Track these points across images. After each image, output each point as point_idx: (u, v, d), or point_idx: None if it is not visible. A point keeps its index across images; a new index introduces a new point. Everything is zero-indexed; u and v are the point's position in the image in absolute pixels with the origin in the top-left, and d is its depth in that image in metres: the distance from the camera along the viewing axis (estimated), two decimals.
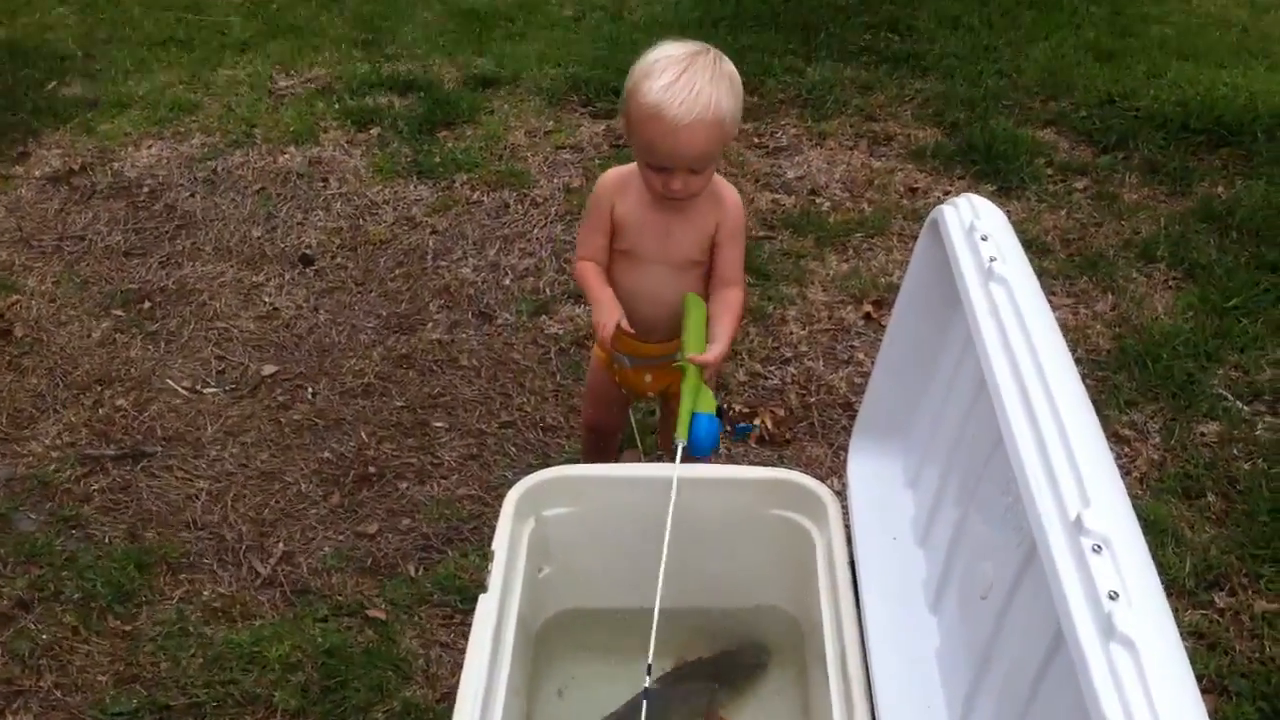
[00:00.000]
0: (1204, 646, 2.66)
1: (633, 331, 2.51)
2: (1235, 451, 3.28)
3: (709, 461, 2.47)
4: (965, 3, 6.02)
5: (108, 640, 2.79)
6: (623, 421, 3.01)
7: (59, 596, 2.89)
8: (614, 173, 2.58)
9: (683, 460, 2.31)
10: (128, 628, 2.82)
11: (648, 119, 2.30)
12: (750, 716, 2.39)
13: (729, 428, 3.29)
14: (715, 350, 2.42)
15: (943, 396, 2.27)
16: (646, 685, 2.04)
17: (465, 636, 2.11)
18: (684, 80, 2.28)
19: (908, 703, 1.96)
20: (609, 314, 2.46)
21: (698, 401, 2.37)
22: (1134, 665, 1.32)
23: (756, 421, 3.34)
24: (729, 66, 2.36)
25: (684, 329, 2.47)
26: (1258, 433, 3.35)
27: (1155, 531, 2.95)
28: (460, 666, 2.05)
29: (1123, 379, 3.52)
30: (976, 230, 2.08)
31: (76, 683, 2.70)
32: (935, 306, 2.27)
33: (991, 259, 1.99)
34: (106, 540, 3.05)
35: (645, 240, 2.53)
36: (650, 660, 2.06)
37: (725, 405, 3.40)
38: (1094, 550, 1.46)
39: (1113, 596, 1.39)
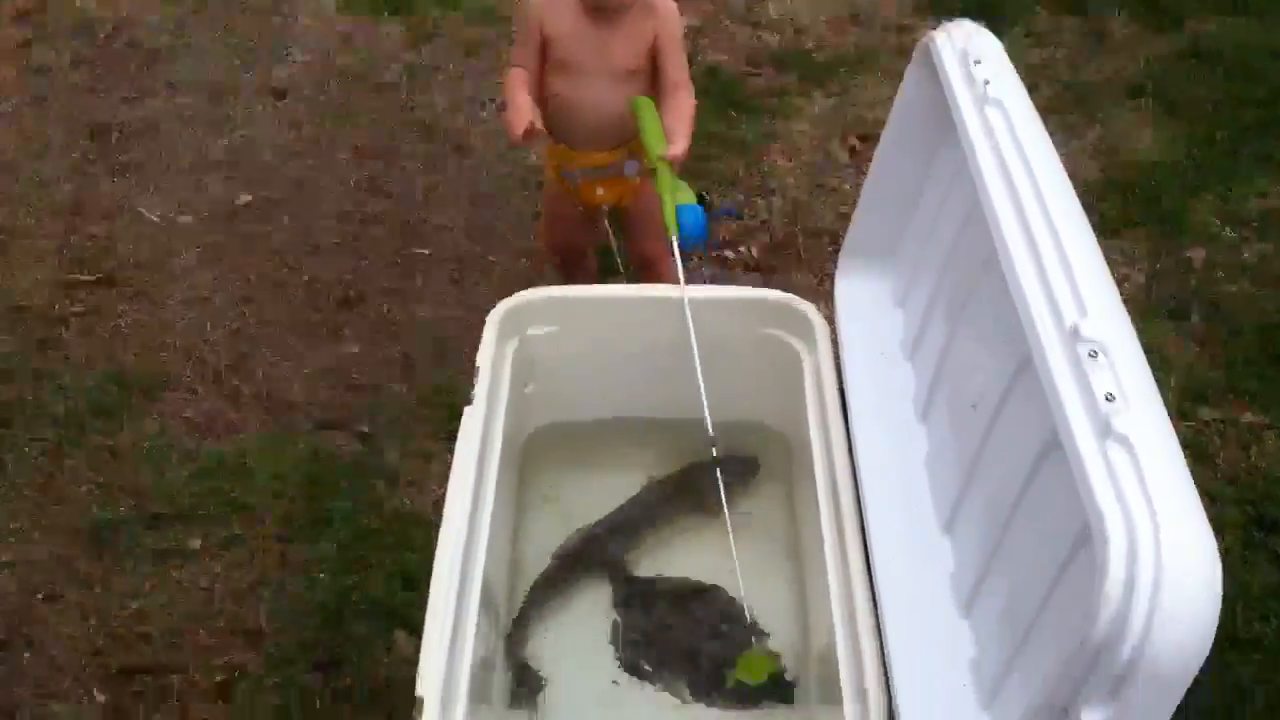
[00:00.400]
0: (1190, 456, 2.69)
1: (545, 131, 2.57)
2: (1221, 275, 3.30)
3: (700, 258, 2.44)
4: None
5: (91, 454, 2.79)
6: (585, 240, 3.00)
7: (40, 413, 2.88)
8: None
9: (682, 254, 2.35)
10: (110, 443, 2.82)
11: None
12: (739, 525, 2.41)
13: (713, 213, 3.25)
14: (679, 144, 2.46)
15: (932, 219, 2.25)
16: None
17: (451, 451, 2.11)
18: None
19: (896, 509, 1.97)
20: (520, 116, 2.52)
21: (677, 195, 2.39)
22: (1132, 465, 1.31)
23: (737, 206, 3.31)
24: None
25: (641, 131, 2.51)
26: (1244, 257, 3.37)
27: (1143, 352, 2.98)
28: (447, 475, 2.05)
29: (1109, 207, 3.51)
30: (970, 55, 2.05)
31: (63, 494, 2.71)
32: (925, 131, 2.23)
33: (986, 82, 1.96)
34: (84, 360, 3.04)
35: (582, 53, 2.57)
36: None
37: (704, 193, 3.37)
38: (1090, 356, 1.45)
39: (1109, 398, 1.39)
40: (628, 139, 2.63)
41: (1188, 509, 1.28)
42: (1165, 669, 1.19)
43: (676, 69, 2.58)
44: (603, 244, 2.89)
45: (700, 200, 2.46)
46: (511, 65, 2.65)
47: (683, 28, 2.59)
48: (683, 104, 2.56)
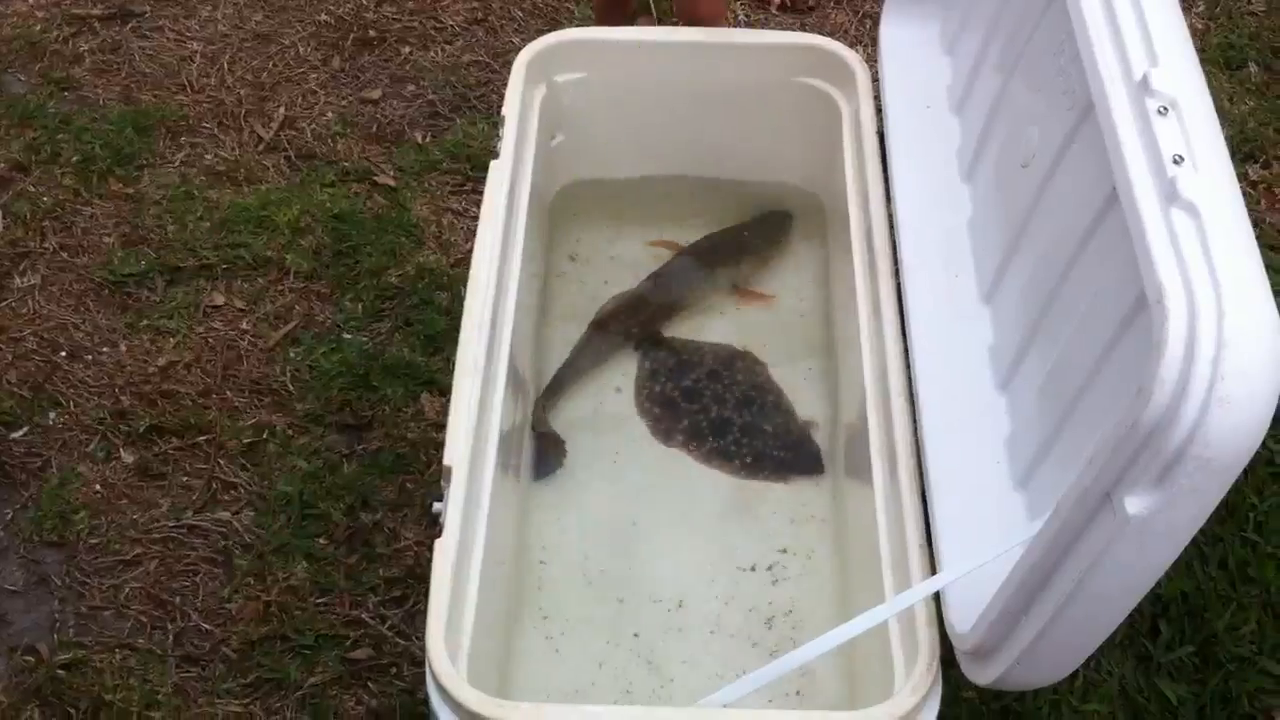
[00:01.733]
0: None
1: None
2: None
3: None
4: None
5: (111, 203, 2.73)
6: None
7: (57, 159, 2.81)
8: None
9: None
10: (130, 190, 2.75)
11: None
12: (774, 286, 2.36)
13: None
14: None
15: None
16: None
17: (477, 204, 2.06)
18: None
19: (935, 275, 1.89)
20: None
21: None
22: (1196, 232, 1.23)
23: None
24: None
25: None
26: None
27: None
28: (473, 234, 2.00)
29: None
30: None
31: (82, 244, 2.67)
32: None
33: None
34: (101, 102, 2.95)
35: None
36: None
37: None
38: (1159, 112, 1.35)
39: (1177, 160, 1.30)
40: None
41: (1254, 289, 1.19)
42: (1218, 455, 1.13)
43: None
44: None
45: None
46: None
47: None
48: None
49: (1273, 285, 2.50)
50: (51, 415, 2.41)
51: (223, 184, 2.76)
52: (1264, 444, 1.16)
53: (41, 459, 2.34)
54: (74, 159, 2.81)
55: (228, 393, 2.43)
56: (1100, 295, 1.48)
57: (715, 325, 2.31)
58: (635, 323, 2.27)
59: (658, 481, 2.09)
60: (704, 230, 2.41)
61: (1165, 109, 1.35)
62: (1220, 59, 3.02)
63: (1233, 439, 1.13)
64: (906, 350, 1.81)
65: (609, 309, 2.28)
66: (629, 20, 2.94)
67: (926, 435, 1.70)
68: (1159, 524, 1.16)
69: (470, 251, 1.93)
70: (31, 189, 2.76)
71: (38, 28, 3.12)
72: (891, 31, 2.32)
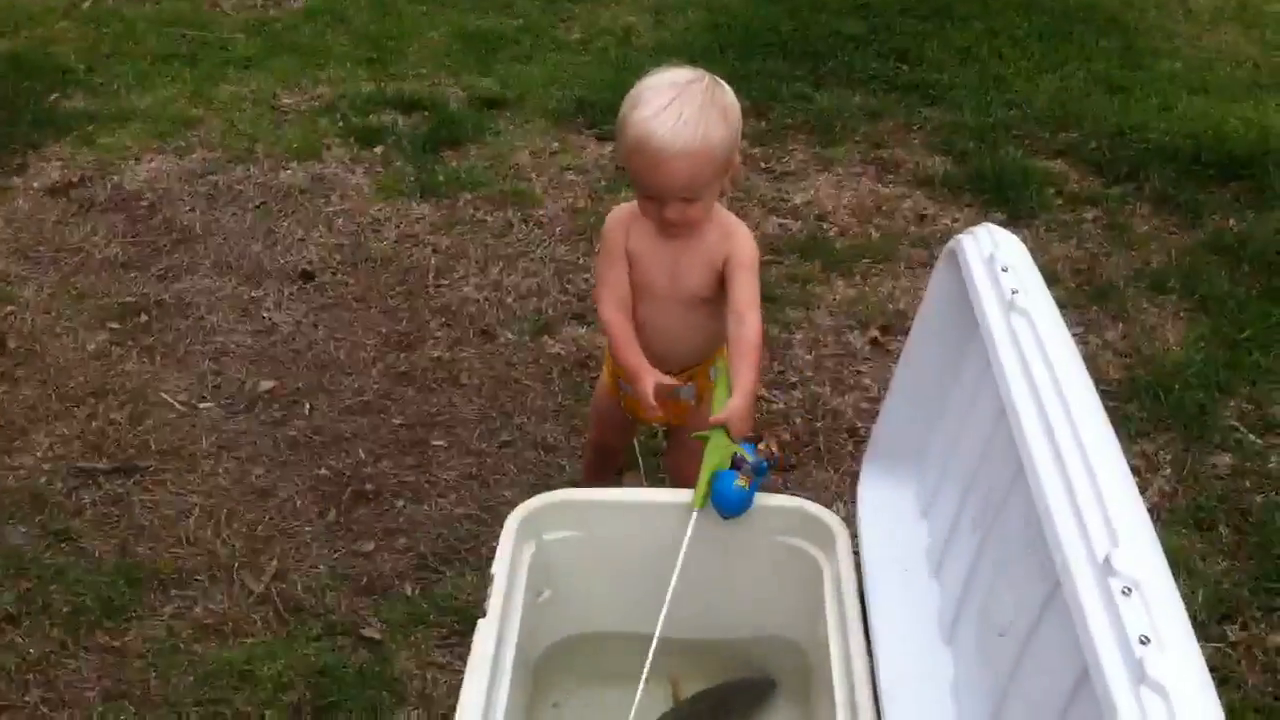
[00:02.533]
0: (1216, 680, 2.60)
1: (676, 382, 2.47)
2: (1248, 484, 3.23)
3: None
4: (974, 34, 5.98)
5: (96, 656, 2.72)
6: (626, 443, 2.96)
7: (47, 610, 2.82)
8: (623, 207, 2.54)
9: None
10: (117, 643, 2.75)
11: (634, 149, 2.28)
12: None
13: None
14: (734, 403, 2.29)
15: (958, 424, 2.22)
16: None
17: (462, 659, 2.06)
18: (672, 109, 2.24)
19: None
20: (645, 381, 2.40)
21: (726, 456, 2.27)
22: (1166, 712, 1.27)
23: (761, 445, 3.19)
24: (725, 94, 2.31)
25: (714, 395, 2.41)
26: (1270, 465, 3.30)
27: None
28: (456, 689, 1.99)
29: (1134, 409, 3.47)
30: (997, 261, 2.04)
31: (64, 698, 2.63)
32: (952, 334, 2.23)
33: (1014, 291, 1.95)
34: (97, 555, 2.99)
35: (654, 273, 2.49)
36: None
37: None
38: (1124, 593, 1.41)
39: (1144, 641, 1.34)
40: (692, 364, 2.59)
41: None
42: None
43: (746, 290, 2.40)
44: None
45: (734, 464, 2.28)
46: (604, 301, 2.54)
47: (757, 253, 2.46)
48: (748, 338, 2.35)
49: None
50: None
51: (209, 637, 2.76)
52: None
53: None
54: (64, 610, 2.82)
55: None
56: None
57: None
58: None
59: None
60: (690, 685, 2.40)
61: (1129, 589, 1.40)
62: (1190, 521, 3.10)
63: None
64: None
65: None
66: (617, 476, 3.05)
67: None
68: None
69: (453, 707, 1.93)
70: (19, 640, 2.75)
71: (43, 480, 3.22)
72: (869, 495, 2.43)
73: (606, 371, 2.76)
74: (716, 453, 2.27)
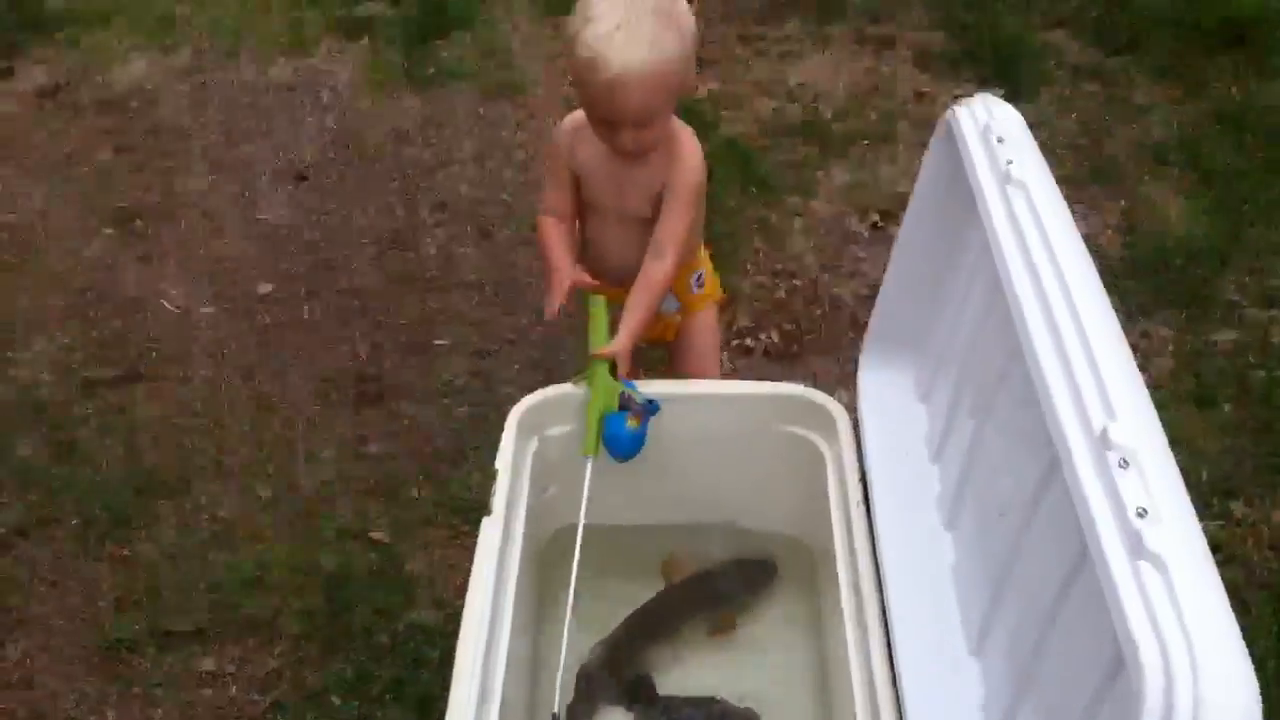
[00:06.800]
0: (1220, 558, 2.62)
1: (597, 283, 2.37)
2: (1251, 359, 3.22)
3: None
4: None
5: (107, 565, 2.75)
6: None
7: (57, 522, 2.85)
8: (571, 119, 2.38)
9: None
10: (126, 552, 2.78)
11: (584, 71, 2.08)
12: (759, 634, 2.35)
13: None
14: (622, 341, 2.24)
15: (957, 306, 2.20)
16: None
17: (471, 557, 2.06)
18: (624, 30, 2.05)
19: (923, 621, 1.91)
20: (557, 283, 2.32)
21: (611, 398, 2.21)
22: (1164, 584, 1.26)
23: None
24: (680, 5, 2.15)
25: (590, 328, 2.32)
26: (1273, 339, 3.29)
27: (1169, 442, 2.90)
28: (465, 589, 2.00)
29: (1134, 286, 3.44)
30: (992, 132, 2.00)
31: (78, 610, 2.66)
32: (948, 213, 2.19)
33: (1009, 162, 1.92)
34: (104, 464, 3.01)
35: (599, 189, 2.38)
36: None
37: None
38: (1120, 465, 1.39)
39: (1141, 513, 1.33)
40: None
41: (1226, 641, 1.22)
42: None
43: (666, 230, 2.29)
44: None
45: (623, 403, 2.22)
46: (541, 211, 2.45)
47: (698, 181, 2.31)
48: (650, 276, 2.28)
49: (1267, 624, 2.49)
50: None
51: (219, 544, 2.79)
52: None
53: None
54: (73, 521, 2.85)
55: None
56: (1083, 647, 1.48)
57: (700, 669, 2.28)
58: (621, 674, 2.24)
59: None
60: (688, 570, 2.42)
61: (1125, 461, 1.39)
62: (1193, 398, 3.09)
63: None
64: (900, 709, 1.79)
65: (593, 661, 2.25)
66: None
67: None
68: None
69: (462, 606, 1.94)
70: (31, 553, 2.79)
71: (46, 390, 3.23)
72: (869, 382, 2.41)
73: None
74: (603, 394, 2.20)
